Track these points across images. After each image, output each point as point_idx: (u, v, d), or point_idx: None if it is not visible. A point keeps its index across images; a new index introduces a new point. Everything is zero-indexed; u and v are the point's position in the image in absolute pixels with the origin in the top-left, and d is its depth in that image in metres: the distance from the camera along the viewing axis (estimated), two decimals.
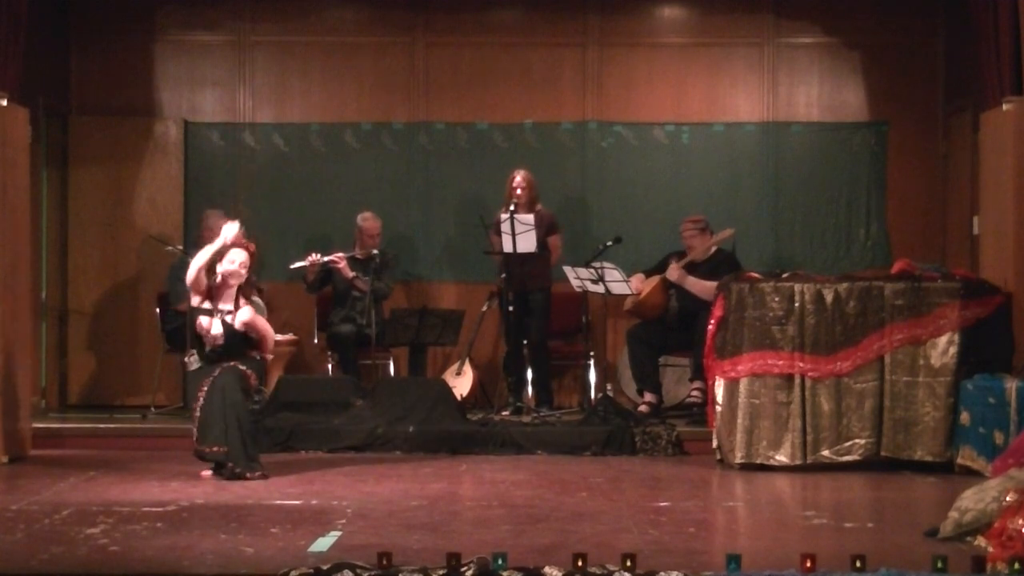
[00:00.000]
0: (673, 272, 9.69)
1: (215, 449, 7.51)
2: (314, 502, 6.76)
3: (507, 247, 9.56)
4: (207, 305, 7.66)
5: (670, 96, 10.98)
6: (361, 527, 6.03)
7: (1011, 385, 7.47)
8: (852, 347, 8.13)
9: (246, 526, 6.01)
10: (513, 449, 8.83)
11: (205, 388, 7.54)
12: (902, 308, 8.13)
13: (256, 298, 10.05)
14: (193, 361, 7.70)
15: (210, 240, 10.01)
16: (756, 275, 8.45)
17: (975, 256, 9.46)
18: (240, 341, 7.68)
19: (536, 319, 9.90)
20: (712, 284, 8.95)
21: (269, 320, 10.27)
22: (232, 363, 7.62)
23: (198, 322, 7.64)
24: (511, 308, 9.78)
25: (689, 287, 9.60)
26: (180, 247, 10.11)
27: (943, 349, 8.08)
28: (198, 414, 7.52)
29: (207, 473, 7.63)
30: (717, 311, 8.35)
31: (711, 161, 10.94)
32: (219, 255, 7.67)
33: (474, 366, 10.17)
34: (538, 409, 9.75)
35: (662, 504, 6.82)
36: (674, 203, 10.74)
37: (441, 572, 4.69)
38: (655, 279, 9.86)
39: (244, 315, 7.72)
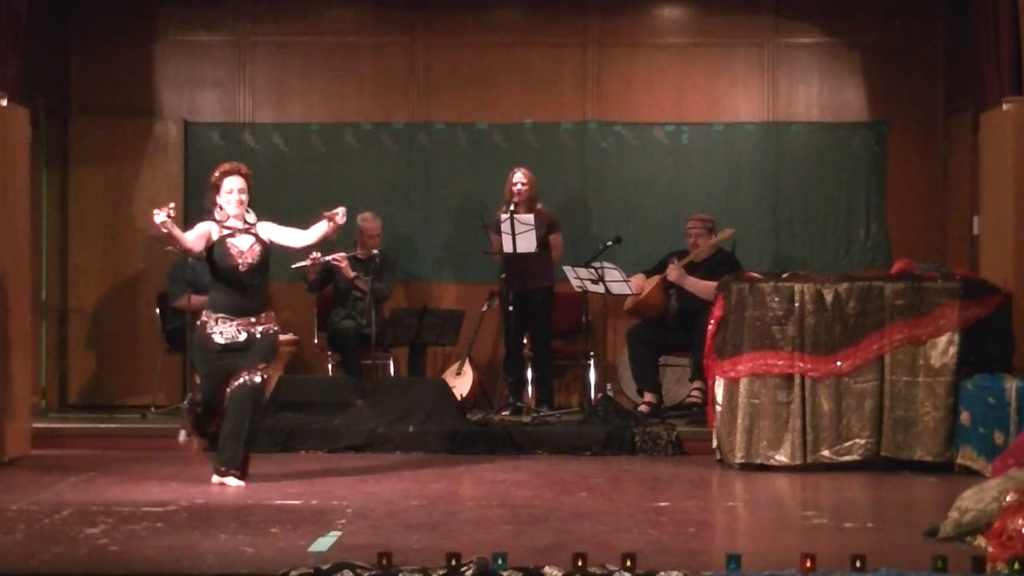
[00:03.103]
0: (672, 272, 9.70)
1: (223, 470, 7.34)
2: (314, 502, 6.76)
3: (507, 247, 9.56)
4: (229, 224, 7.38)
5: (670, 96, 10.98)
6: (361, 527, 6.03)
7: (1011, 385, 7.47)
8: (852, 347, 8.13)
9: (246, 526, 6.01)
10: (513, 449, 8.83)
11: (227, 390, 7.30)
12: (902, 308, 8.13)
13: None
14: (222, 331, 7.29)
15: None
16: (756, 275, 8.45)
17: (975, 256, 9.46)
18: (266, 263, 7.48)
19: (538, 319, 9.90)
20: (712, 284, 8.95)
21: None
22: (257, 365, 7.33)
23: (228, 246, 7.33)
24: (511, 308, 9.78)
25: (689, 287, 9.61)
26: None
27: (943, 349, 8.07)
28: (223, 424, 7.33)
29: (184, 439, 7.66)
30: (717, 311, 8.35)
31: (711, 161, 10.94)
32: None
33: (474, 366, 10.17)
34: (538, 409, 9.75)
35: (662, 504, 6.82)
36: (674, 203, 10.75)
37: (441, 572, 4.69)
38: (655, 279, 9.86)
39: (268, 228, 7.50)
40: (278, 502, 6.75)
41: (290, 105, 11.00)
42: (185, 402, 7.70)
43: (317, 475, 7.71)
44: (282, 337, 10.24)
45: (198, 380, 7.52)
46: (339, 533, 5.83)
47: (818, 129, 10.95)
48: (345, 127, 10.98)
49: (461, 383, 9.98)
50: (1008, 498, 5.41)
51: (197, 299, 9.72)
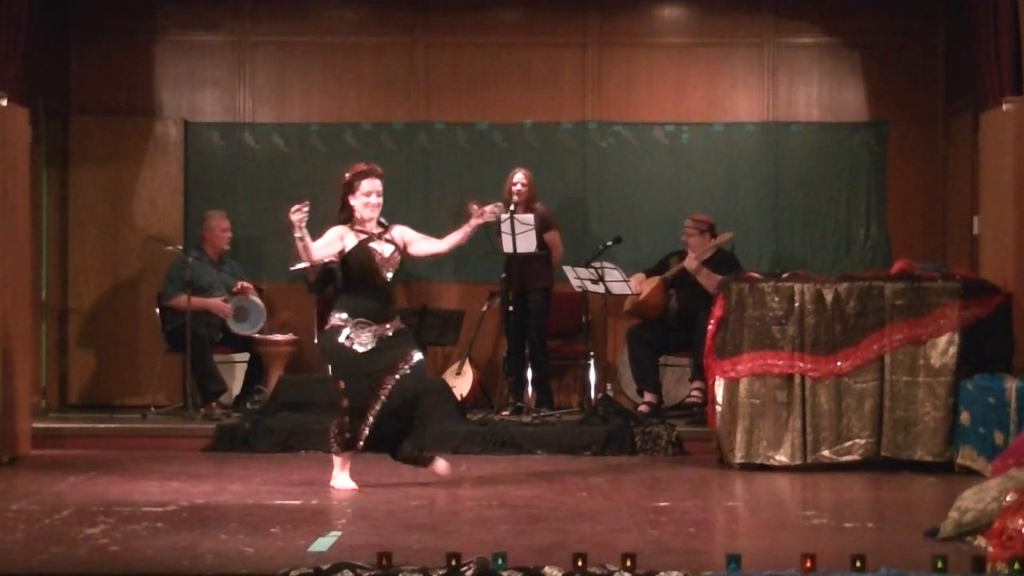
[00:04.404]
0: (691, 262, 9.71)
1: (428, 455, 7.28)
2: (314, 502, 6.76)
3: (507, 247, 9.55)
4: (366, 227, 7.25)
5: (670, 96, 10.98)
6: (361, 527, 6.03)
7: (1011, 385, 7.47)
8: (852, 347, 8.12)
9: (246, 526, 6.01)
10: (513, 449, 8.83)
11: (388, 387, 7.13)
12: (902, 308, 8.13)
13: (254, 297, 10.09)
14: (358, 337, 7.15)
15: (211, 240, 10.11)
16: (756, 275, 8.45)
17: (975, 256, 9.46)
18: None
19: (535, 319, 9.90)
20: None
21: (270, 320, 10.34)
22: (409, 352, 7.20)
23: (372, 252, 7.23)
24: (511, 308, 9.78)
25: (702, 279, 9.60)
26: (180, 247, 10.11)
27: (943, 349, 8.07)
28: (374, 417, 7.11)
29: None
30: (717, 311, 8.34)
31: (711, 161, 10.94)
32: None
33: (474, 366, 10.17)
34: (538, 409, 9.75)
35: (662, 504, 6.82)
36: (674, 203, 10.74)
37: (441, 572, 4.68)
38: (655, 279, 9.87)
39: (403, 233, 7.40)
40: (278, 502, 6.75)
41: (290, 105, 11.00)
42: (333, 426, 7.23)
43: (317, 475, 7.70)
44: (281, 337, 10.30)
45: (342, 386, 7.18)
46: (339, 533, 5.83)
47: (818, 129, 10.95)
48: (345, 127, 10.97)
49: (461, 383, 9.98)
50: (1008, 498, 5.41)
51: (197, 300, 9.76)
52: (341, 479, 7.22)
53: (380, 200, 7.33)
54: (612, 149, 10.96)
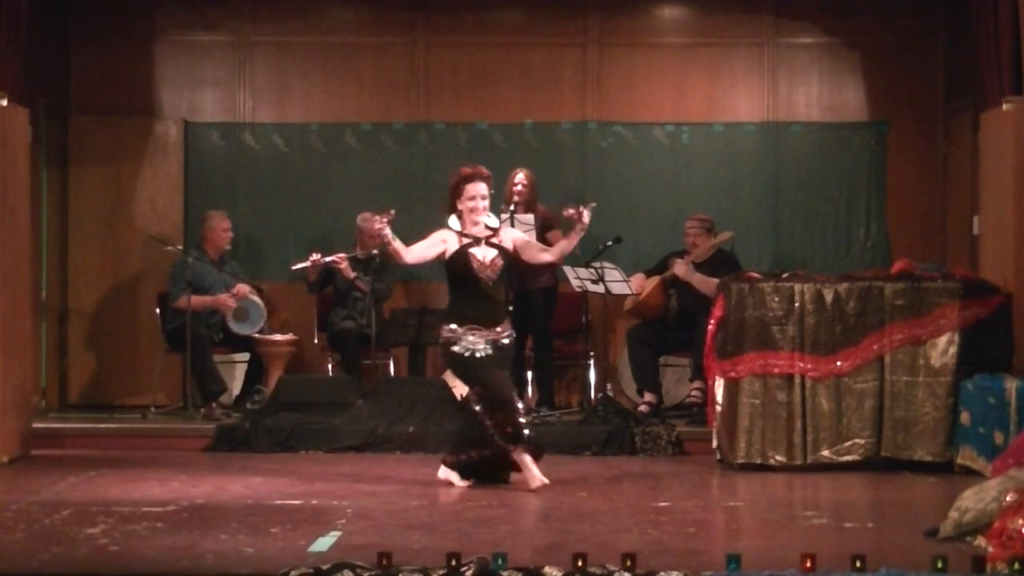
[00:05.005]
0: (680, 268, 9.70)
1: (473, 455, 7.28)
2: (314, 502, 6.76)
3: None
4: (471, 231, 7.21)
5: (670, 96, 10.98)
6: (361, 527, 6.03)
7: (1011, 385, 7.47)
8: (852, 347, 8.12)
9: (246, 526, 6.01)
10: None
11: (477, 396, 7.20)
12: (902, 308, 8.13)
13: (255, 297, 10.09)
14: (473, 343, 7.22)
15: (212, 240, 10.11)
16: (756, 275, 8.45)
17: (975, 256, 9.46)
18: (505, 274, 7.35)
19: (539, 318, 9.89)
20: (716, 281, 8.95)
21: (270, 320, 10.34)
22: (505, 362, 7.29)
23: (470, 257, 7.26)
24: (511, 308, 9.78)
25: (696, 283, 9.60)
26: (180, 247, 10.11)
27: (943, 349, 8.07)
28: (472, 427, 7.19)
29: (463, 483, 7.29)
30: (717, 311, 8.34)
31: (711, 161, 10.94)
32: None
33: None
34: (538, 409, 9.75)
35: (662, 504, 6.82)
36: (674, 203, 10.74)
37: (441, 572, 4.68)
38: (655, 279, 9.87)
39: (513, 237, 7.37)
40: (278, 502, 6.75)
41: (290, 105, 11.00)
42: (487, 434, 7.19)
43: (317, 475, 7.71)
44: (281, 337, 10.30)
45: (479, 390, 7.22)
46: (339, 533, 5.83)
47: (818, 129, 10.95)
48: (345, 127, 10.98)
49: (461, 383, 9.95)
50: (1008, 498, 5.41)
51: (197, 299, 9.76)
52: (534, 473, 7.14)
53: (486, 203, 7.29)
54: (612, 149, 10.97)
